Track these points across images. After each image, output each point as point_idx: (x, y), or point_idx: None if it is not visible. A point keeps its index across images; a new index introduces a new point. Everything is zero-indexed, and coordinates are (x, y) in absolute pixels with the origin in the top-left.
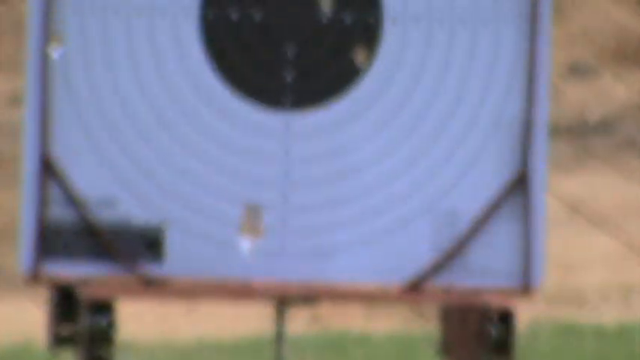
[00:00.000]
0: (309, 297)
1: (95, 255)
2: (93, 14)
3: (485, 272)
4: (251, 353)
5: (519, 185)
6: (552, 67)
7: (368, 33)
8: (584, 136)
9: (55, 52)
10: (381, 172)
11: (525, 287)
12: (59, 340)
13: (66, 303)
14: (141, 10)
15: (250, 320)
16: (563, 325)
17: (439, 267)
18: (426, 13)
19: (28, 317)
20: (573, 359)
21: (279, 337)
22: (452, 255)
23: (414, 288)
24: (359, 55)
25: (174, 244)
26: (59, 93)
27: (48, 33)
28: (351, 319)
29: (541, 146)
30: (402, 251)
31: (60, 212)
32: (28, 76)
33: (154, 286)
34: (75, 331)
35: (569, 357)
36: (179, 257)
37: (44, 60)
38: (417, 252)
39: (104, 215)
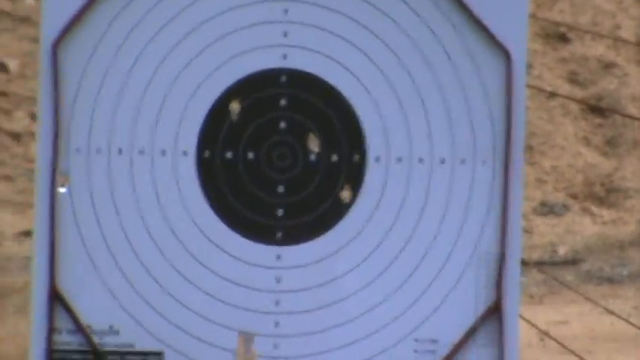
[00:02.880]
0: None
1: None
2: (97, 153)
3: None
4: None
5: (494, 314)
6: (524, 204)
7: (353, 171)
8: (553, 268)
9: (62, 190)
10: (364, 302)
11: None
12: None
13: None
14: (143, 150)
15: None
16: None
17: None
18: (407, 153)
19: None
20: None
21: None
22: None
23: None
24: (344, 192)
25: None
26: (66, 228)
27: (55, 172)
28: None
29: (514, 278)
30: None
31: (67, 340)
32: (37, 212)
33: None
34: None
35: None
36: None
37: (52, 197)
38: None
39: (108, 342)
